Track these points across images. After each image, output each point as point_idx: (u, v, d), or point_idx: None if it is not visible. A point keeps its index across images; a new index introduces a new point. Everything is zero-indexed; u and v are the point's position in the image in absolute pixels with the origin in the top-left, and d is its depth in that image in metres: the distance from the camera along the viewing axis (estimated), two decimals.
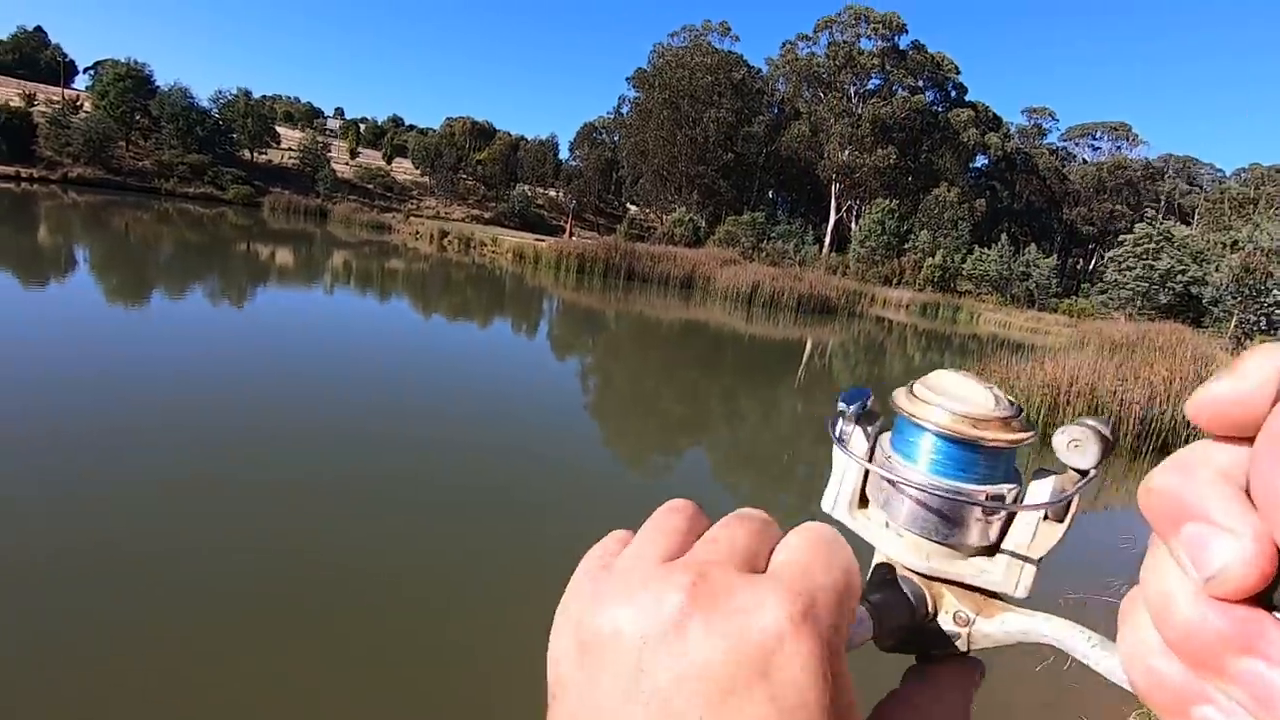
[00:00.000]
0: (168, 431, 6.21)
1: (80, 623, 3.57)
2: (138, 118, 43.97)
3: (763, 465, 8.46)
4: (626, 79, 54.72)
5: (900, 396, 0.38)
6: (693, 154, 50.30)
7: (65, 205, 28.26)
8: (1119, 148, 68.68)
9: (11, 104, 38.42)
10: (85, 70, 63.80)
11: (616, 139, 60.87)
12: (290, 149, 53.57)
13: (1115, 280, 39.37)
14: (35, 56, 69.84)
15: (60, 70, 65.06)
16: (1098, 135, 71.21)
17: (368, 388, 8.91)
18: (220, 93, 48.70)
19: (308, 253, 26.23)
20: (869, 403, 0.41)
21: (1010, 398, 0.39)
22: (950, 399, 0.36)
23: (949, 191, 46.37)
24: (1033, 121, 69.72)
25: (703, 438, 9.38)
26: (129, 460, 5.53)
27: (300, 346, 11.00)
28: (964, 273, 41.38)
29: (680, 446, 8.84)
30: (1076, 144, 72.38)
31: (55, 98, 46.20)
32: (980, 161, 57.27)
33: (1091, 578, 5.17)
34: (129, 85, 43.03)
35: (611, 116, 60.87)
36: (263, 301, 14.81)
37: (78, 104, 44.39)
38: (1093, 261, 63.46)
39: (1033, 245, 44.38)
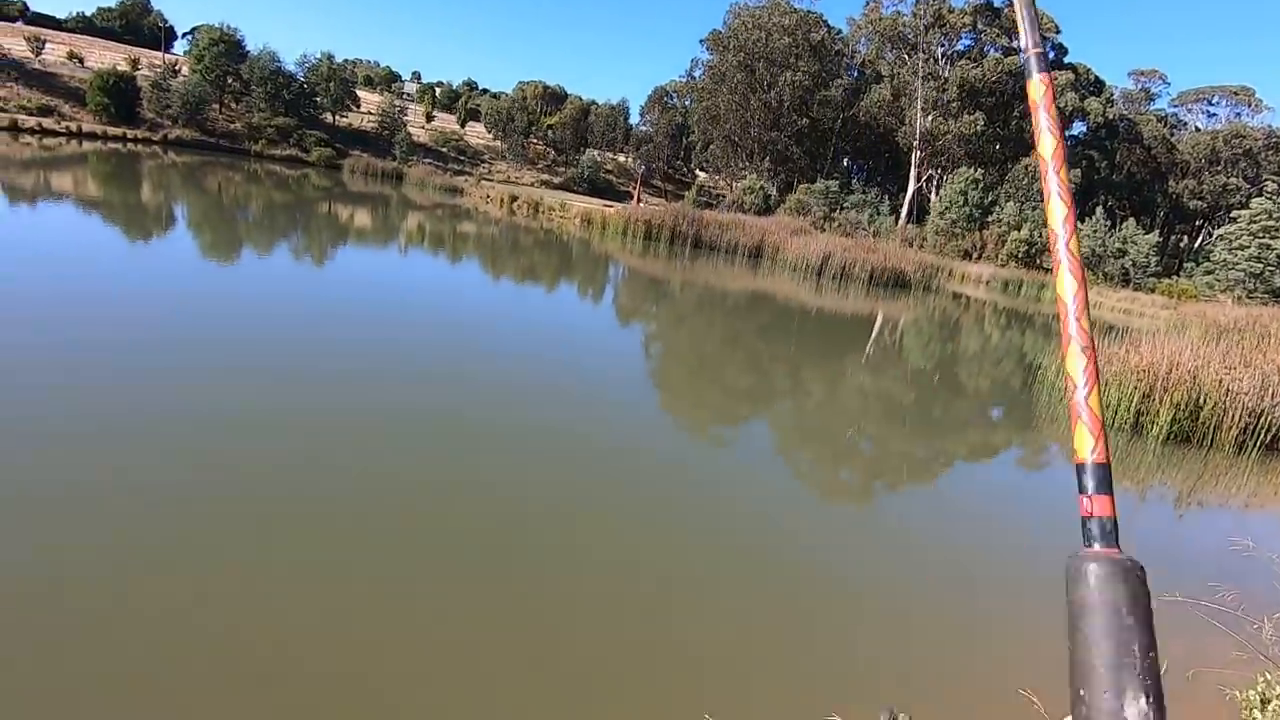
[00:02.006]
0: (277, 370, 6.58)
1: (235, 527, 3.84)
2: (230, 81, 45.96)
3: (825, 441, 8.28)
4: (700, 41, 53.34)
5: None
6: (766, 119, 48.82)
7: (165, 165, 29.96)
8: (1238, 115, 62.50)
9: (119, 68, 40.77)
10: (183, 35, 66.87)
11: (688, 103, 59.68)
12: (369, 112, 54.96)
13: (1224, 260, 36.29)
14: (139, 23, 73.80)
15: (161, 35, 68.43)
16: (1214, 100, 64.97)
17: (435, 352, 9.16)
18: (305, 57, 50.33)
19: (384, 214, 27.02)
20: None
21: None
22: None
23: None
24: (1140, 85, 64.20)
25: (764, 410, 9.24)
26: (258, 394, 5.87)
27: (375, 308, 11.38)
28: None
29: (741, 417, 8.74)
30: (1189, 110, 66.30)
31: (157, 62, 48.72)
32: (1078, 128, 53.30)
33: (1191, 578, 4.82)
34: (222, 50, 44.89)
35: (684, 80, 59.64)
36: (343, 261, 15.39)
37: (176, 68, 46.72)
38: (1199, 239, 58.60)
39: (1131, 220, 41.30)
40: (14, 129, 31.68)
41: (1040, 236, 38.31)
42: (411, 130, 54.00)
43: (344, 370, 7.41)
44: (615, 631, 3.85)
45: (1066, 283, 0.82)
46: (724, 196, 48.62)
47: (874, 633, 4.23)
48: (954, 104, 44.02)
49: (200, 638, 3.25)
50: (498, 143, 60.75)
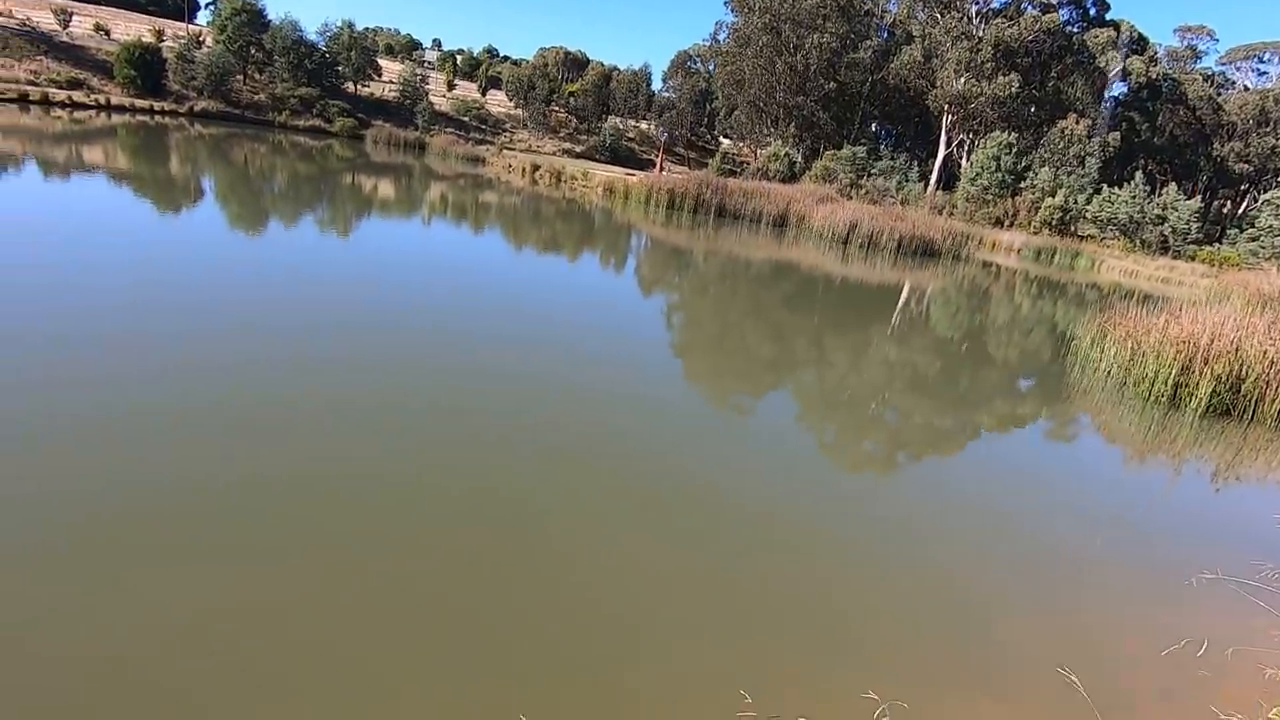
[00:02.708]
0: (300, 328, 6.67)
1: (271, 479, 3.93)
2: (253, 51, 45.92)
3: (849, 411, 8.19)
4: (725, 3, 51.90)
5: None
6: (792, 83, 47.56)
7: (192, 138, 30.20)
8: None
9: (144, 40, 40.93)
10: (206, 5, 66.76)
11: (712, 68, 58.36)
12: (391, 81, 54.63)
13: (1271, 226, 34.85)
14: None
15: (185, 6, 68.43)
16: (1265, 58, 61.77)
17: (458, 317, 9.19)
18: (326, 25, 50.05)
19: (407, 185, 27.03)
20: None
21: None
22: None
23: (1077, 124, 41.84)
24: (1186, 43, 61.24)
25: (788, 379, 9.16)
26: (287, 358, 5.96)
27: (400, 278, 11.43)
28: (1088, 215, 37.68)
29: (764, 387, 8.68)
30: (1237, 69, 63.18)
31: (181, 33, 48.80)
32: (1118, 89, 51.14)
33: (1232, 555, 4.72)
34: (244, 20, 44.77)
35: (708, 44, 58.21)
36: (368, 232, 15.46)
37: (200, 39, 46.75)
38: (1243, 205, 56.31)
39: (1172, 185, 39.71)
40: (45, 102, 32.08)
41: (1076, 202, 37.11)
42: (433, 99, 53.64)
43: (374, 332, 7.48)
44: (632, 597, 3.88)
45: None
46: (748, 164, 47.72)
47: (899, 606, 4.20)
48: (988, 65, 42.39)
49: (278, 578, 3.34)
50: (519, 111, 60.13)
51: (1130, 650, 3.80)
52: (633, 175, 34.30)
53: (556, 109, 61.72)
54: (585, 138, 58.67)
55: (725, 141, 60.20)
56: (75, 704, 2.68)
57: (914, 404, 8.69)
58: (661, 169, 42.28)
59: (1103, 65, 46.48)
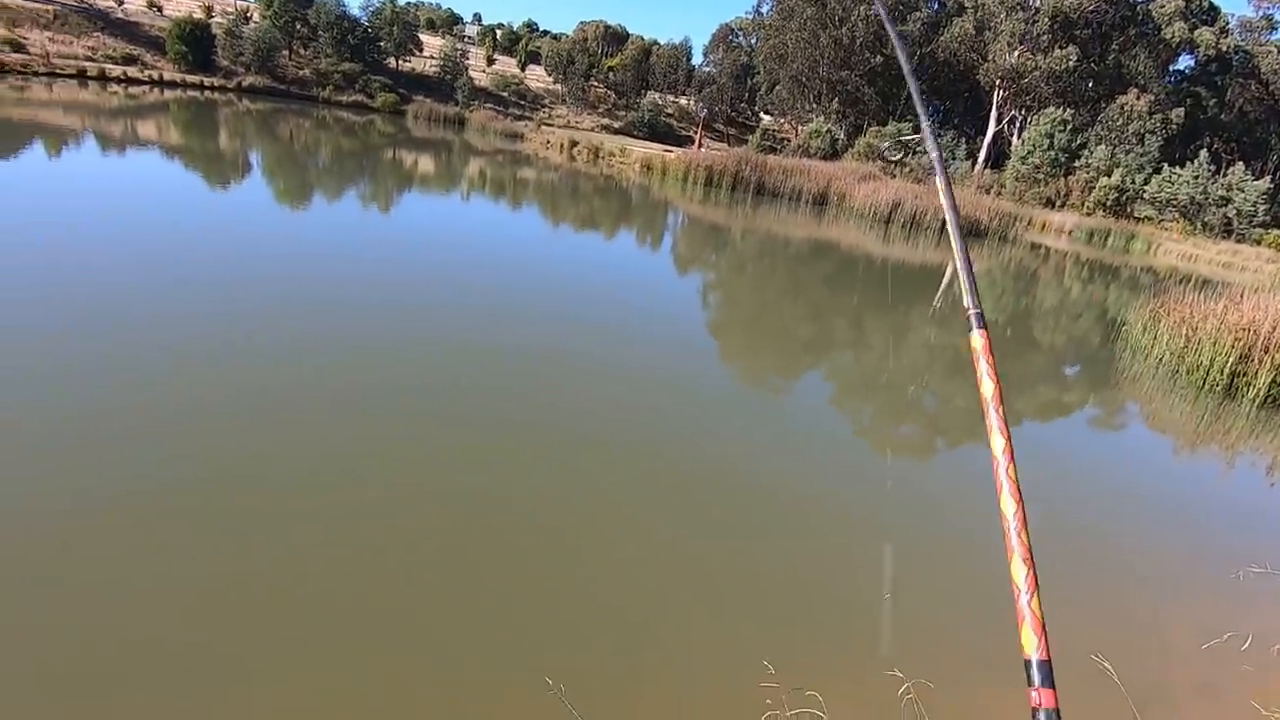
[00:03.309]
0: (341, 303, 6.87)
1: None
2: (298, 27, 46.53)
3: (887, 394, 8.09)
4: None
5: None
6: (836, 57, 46.29)
7: (240, 113, 30.86)
8: None
9: (194, 16, 41.80)
10: None
11: (754, 42, 57.11)
12: (431, 56, 54.86)
13: None
14: None
15: None
16: None
17: (493, 294, 9.30)
18: (369, 0, 50.41)
19: (447, 161, 27.24)
20: None
21: None
22: None
23: (1138, 100, 39.84)
24: (1261, 12, 57.60)
25: (824, 361, 9.08)
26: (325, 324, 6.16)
27: (437, 251, 11.59)
28: (1145, 195, 36.06)
29: (800, 368, 8.62)
30: None
31: (229, 9, 49.66)
32: (1184, 63, 48.49)
33: None
34: None
35: (750, 17, 56.93)
36: (408, 207, 15.68)
37: (248, 15, 47.55)
38: None
39: (1239, 164, 37.67)
40: (102, 78, 33.08)
41: (1133, 182, 35.54)
42: (473, 74, 53.74)
43: (413, 305, 7.64)
44: (660, 572, 3.94)
45: (1007, 504, 0.99)
46: (788, 141, 46.79)
47: (929, 587, 4.19)
48: (1044, 37, 40.59)
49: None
50: (558, 86, 59.87)
51: (1170, 641, 3.72)
52: (671, 152, 33.97)
53: (595, 84, 61.24)
54: (623, 113, 58.18)
55: (766, 118, 59.13)
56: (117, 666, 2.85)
57: (955, 388, 8.54)
58: (700, 145, 41.80)
59: (1168, 37, 44.08)
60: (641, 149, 35.18)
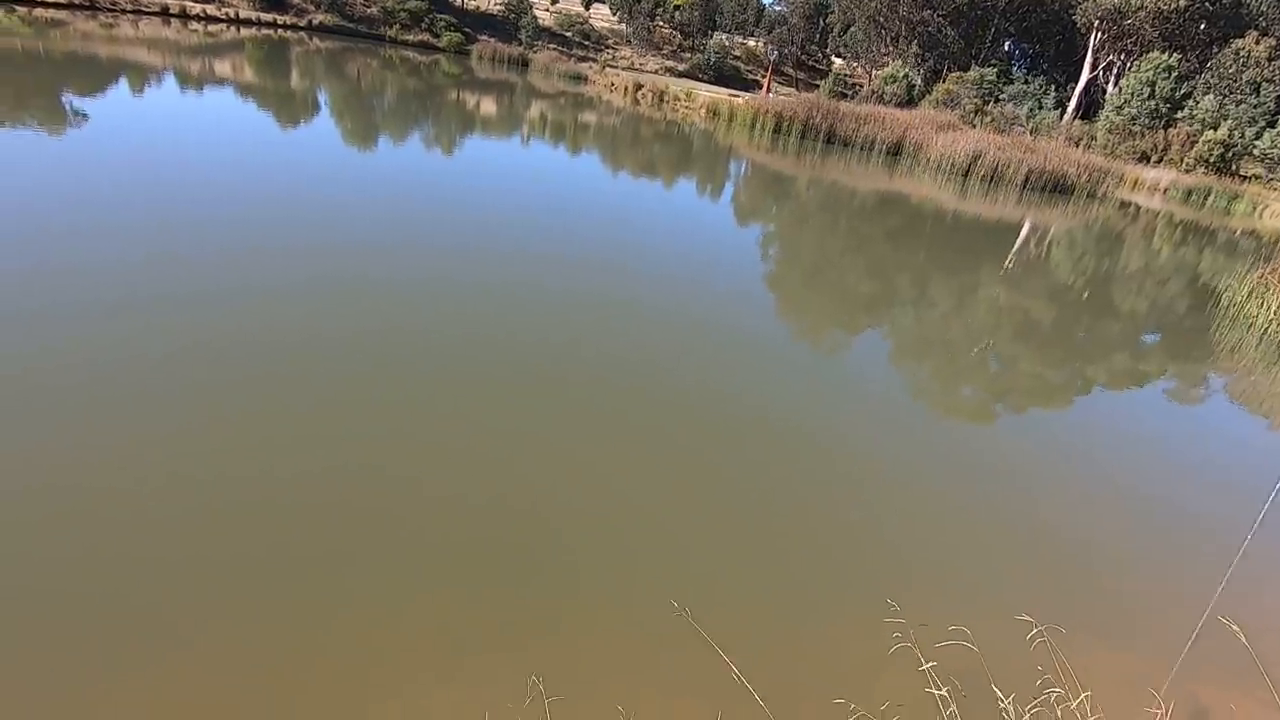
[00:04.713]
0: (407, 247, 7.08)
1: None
2: None
3: (949, 355, 7.86)
4: None
5: None
6: None
7: (310, 51, 31.31)
8: None
9: None
10: None
11: None
12: None
13: None
14: None
15: None
16: None
17: (548, 240, 9.37)
18: None
19: (509, 103, 27.12)
20: None
21: None
22: None
23: (1257, 44, 35.97)
24: None
25: (885, 319, 8.85)
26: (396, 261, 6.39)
27: (495, 196, 11.68)
28: (1255, 152, 32.98)
29: (859, 325, 8.43)
30: None
31: None
32: None
33: None
34: None
35: None
36: (469, 150, 15.79)
37: None
38: None
39: None
40: (183, 15, 34.01)
41: (1242, 137, 32.53)
42: (537, 13, 52.80)
43: (468, 248, 7.80)
44: (718, 522, 4.02)
45: None
46: (861, 87, 44.50)
47: (1018, 544, 4.16)
48: None
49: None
50: (622, 26, 58.25)
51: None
52: (738, 97, 32.87)
53: (660, 24, 59.30)
54: (689, 55, 56.32)
55: (838, 61, 56.27)
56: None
57: (1021, 352, 8.23)
58: (768, 90, 40.25)
59: None
60: (707, 93, 34.13)
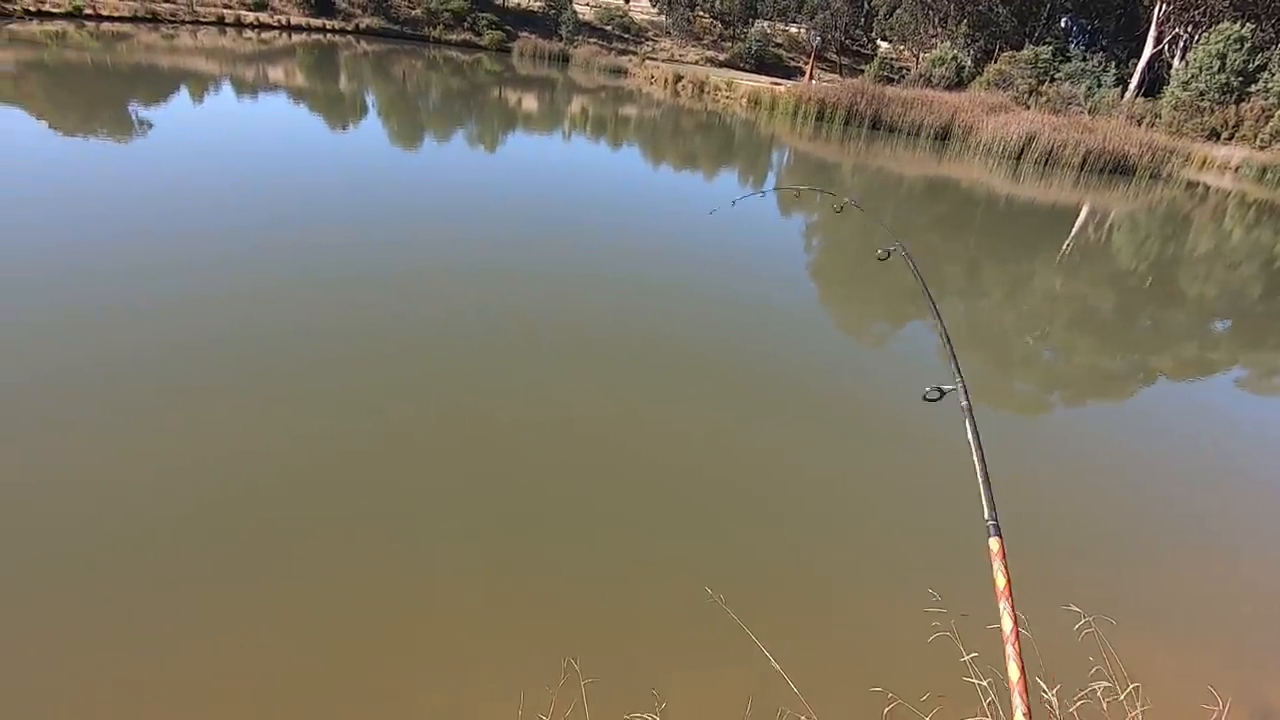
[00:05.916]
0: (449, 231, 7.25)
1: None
2: None
3: (999, 345, 7.63)
4: None
5: None
6: None
7: (358, 55, 32.14)
8: None
9: None
10: None
11: None
12: None
13: None
14: None
15: None
16: None
17: (587, 232, 9.43)
18: None
19: (550, 99, 27.32)
20: None
21: None
22: None
23: None
24: None
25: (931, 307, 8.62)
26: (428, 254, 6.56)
27: (538, 188, 11.80)
28: None
29: (904, 315, 8.24)
30: None
31: None
32: None
33: None
34: None
35: None
36: (511, 146, 16.00)
37: None
38: None
39: None
40: (238, 24, 35.32)
41: None
42: (576, 8, 52.99)
43: (514, 238, 7.92)
44: (759, 512, 4.01)
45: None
46: (908, 70, 43.30)
47: (1071, 530, 4.04)
48: None
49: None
50: (662, 17, 57.98)
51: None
52: (780, 85, 32.40)
53: (700, 14, 58.77)
54: (730, 44, 55.73)
55: (883, 45, 54.81)
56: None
57: (1078, 341, 7.92)
58: (811, 77, 39.55)
59: None
60: (749, 82, 33.73)
